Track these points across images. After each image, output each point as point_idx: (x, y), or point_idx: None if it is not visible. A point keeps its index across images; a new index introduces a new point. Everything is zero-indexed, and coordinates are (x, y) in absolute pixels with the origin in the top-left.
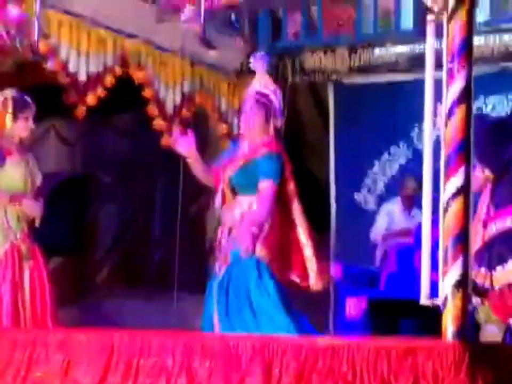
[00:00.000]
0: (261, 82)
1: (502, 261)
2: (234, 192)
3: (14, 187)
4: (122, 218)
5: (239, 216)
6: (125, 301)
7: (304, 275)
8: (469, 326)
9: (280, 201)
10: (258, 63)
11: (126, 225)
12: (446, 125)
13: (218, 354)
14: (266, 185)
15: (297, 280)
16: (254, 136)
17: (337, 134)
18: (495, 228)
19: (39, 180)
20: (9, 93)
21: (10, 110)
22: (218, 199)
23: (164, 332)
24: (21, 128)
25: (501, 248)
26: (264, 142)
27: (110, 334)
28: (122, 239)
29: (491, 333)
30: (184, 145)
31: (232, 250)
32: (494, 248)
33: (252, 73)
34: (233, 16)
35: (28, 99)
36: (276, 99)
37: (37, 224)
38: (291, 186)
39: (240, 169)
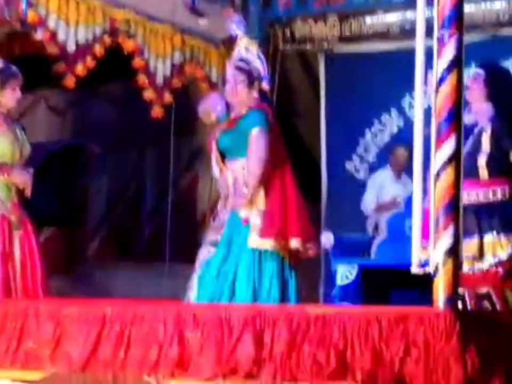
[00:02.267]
0: (241, 46)
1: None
2: (223, 157)
3: (2, 157)
4: (113, 188)
5: (233, 181)
6: (116, 271)
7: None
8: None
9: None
10: (236, 26)
11: (117, 196)
12: (436, 93)
13: (209, 323)
14: (254, 133)
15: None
16: (240, 102)
17: (328, 103)
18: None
19: (28, 150)
20: None
21: None
22: (215, 169)
23: (155, 301)
24: (8, 98)
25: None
26: (247, 104)
27: (101, 304)
28: (114, 209)
29: None
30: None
31: (229, 215)
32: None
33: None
34: None
35: (15, 69)
36: (259, 62)
37: (27, 194)
38: (282, 151)
39: (224, 132)
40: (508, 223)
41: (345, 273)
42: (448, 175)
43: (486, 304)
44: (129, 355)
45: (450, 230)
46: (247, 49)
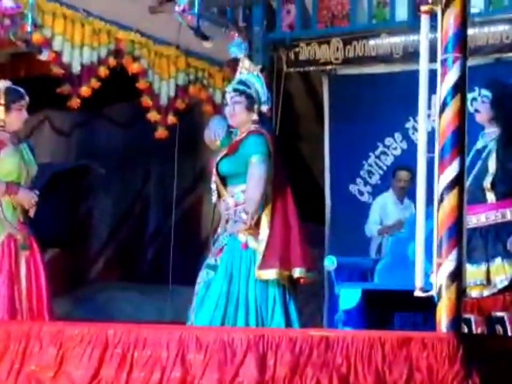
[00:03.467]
0: (242, 69)
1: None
2: (224, 183)
3: (8, 177)
4: (117, 210)
5: (234, 205)
6: (119, 294)
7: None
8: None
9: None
10: (236, 49)
11: (120, 217)
12: (440, 116)
13: (212, 346)
14: (254, 161)
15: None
16: (240, 125)
17: (332, 126)
18: None
19: (34, 170)
20: (2, 84)
21: (2, 101)
22: (213, 194)
23: (158, 324)
24: (14, 119)
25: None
26: (246, 127)
27: (104, 327)
28: (117, 231)
29: None
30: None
31: (227, 237)
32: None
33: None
34: (227, 8)
35: (21, 90)
36: (259, 84)
37: (31, 214)
38: (282, 176)
39: (225, 157)
40: None
41: (348, 297)
42: (451, 199)
43: (499, 328)
44: (131, 378)
45: (453, 254)
46: (248, 72)
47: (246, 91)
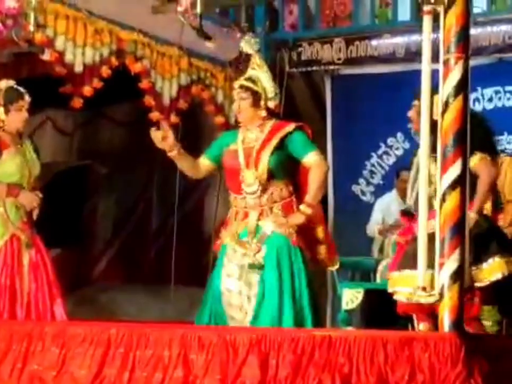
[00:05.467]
0: (254, 65)
1: None
2: (269, 178)
3: (10, 178)
4: (120, 209)
5: (269, 201)
6: (122, 293)
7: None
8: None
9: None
10: (247, 44)
11: (123, 217)
12: (442, 116)
13: (215, 346)
14: (316, 158)
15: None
16: (247, 121)
17: (335, 125)
18: None
19: (37, 170)
20: (3, 84)
21: (2, 101)
22: (250, 189)
23: (161, 324)
24: (14, 119)
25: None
26: (254, 123)
27: (107, 326)
28: (120, 230)
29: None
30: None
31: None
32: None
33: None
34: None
35: (22, 90)
36: (267, 80)
37: (34, 216)
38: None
39: (276, 149)
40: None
41: (350, 297)
42: (454, 199)
43: None
44: (134, 377)
45: (456, 254)
46: (257, 68)
47: (251, 87)
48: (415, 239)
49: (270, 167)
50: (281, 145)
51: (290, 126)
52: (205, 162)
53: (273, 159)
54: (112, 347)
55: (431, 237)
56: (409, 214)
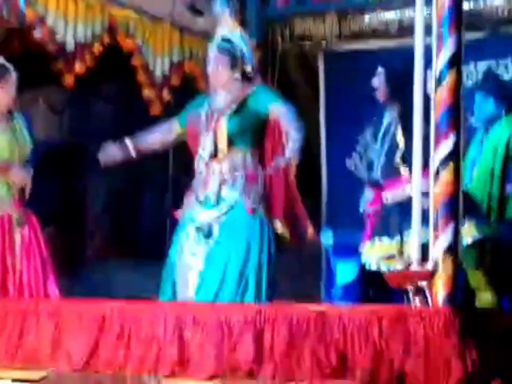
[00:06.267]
0: (225, 28)
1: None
2: (230, 144)
3: (0, 156)
4: (111, 187)
5: (230, 169)
6: (115, 271)
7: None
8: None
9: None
10: (220, 7)
11: (115, 195)
12: (436, 91)
13: (209, 323)
14: (281, 108)
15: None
16: (222, 84)
17: (328, 101)
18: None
19: (28, 147)
20: None
21: None
22: (205, 154)
23: (155, 302)
24: (1, 95)
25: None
26: (229, 87)
27: (101, 304)
28: (112, 208)
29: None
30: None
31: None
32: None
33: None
34: None
35: (7, 66)
36: (242, 43)
37: (26, 194)
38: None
39: (235, 113)
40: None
41: (345, 272)
42: (447, 173)
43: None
44: (129, 355)
45: (450, 228)
46: (230, 29)
47: (229, 49)
48: (384, 208)
49: (228, 132)
50: (244, 109)
51: (252, 87)
52: (176, 127)
53: (232, 123)
54: (107, 325)
55: (397, 206)
56: (376, 184)
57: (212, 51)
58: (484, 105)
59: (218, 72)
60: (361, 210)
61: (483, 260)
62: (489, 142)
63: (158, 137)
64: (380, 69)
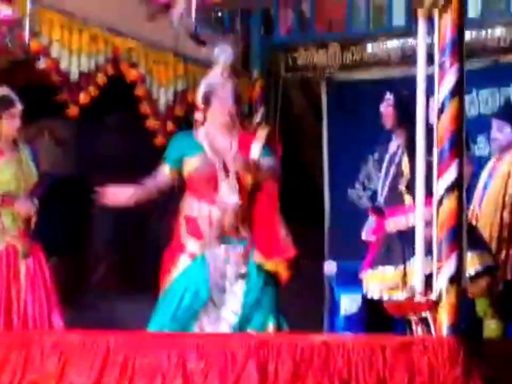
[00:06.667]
0: (224, 73)
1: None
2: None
3: (5, 188)
4: (117, 218)
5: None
6: (120, 302)
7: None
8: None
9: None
10: (223, 53)
11: (121, 226)
12: (438, 120)
13: (213, 354)
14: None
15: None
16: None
17: (331, 130)
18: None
19: (34, 178)
20: None
21: None
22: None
23: (159, 332)
24: (6, 127)
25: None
26: (248, 136)
27: (105, 335)
28: (118, 239)
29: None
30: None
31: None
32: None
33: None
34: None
35: (14, 97)
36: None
37: (32, 225)
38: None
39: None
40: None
41: (349, 303)
42: (450, 202)
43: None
44: None
45: (453, 257)
46: (230, 78)
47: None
48: (386, 236)
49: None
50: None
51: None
52: (169, 172)
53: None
54: (111, 356)
55: (400, 235)
56: (379, 211)
57: (226, 91)
58: (500, 132)
59: (235, 114)
60: (363, 237)
61: (491, 288)
62: (501, 169)
63: (152, 186)
64: (389, 95)
